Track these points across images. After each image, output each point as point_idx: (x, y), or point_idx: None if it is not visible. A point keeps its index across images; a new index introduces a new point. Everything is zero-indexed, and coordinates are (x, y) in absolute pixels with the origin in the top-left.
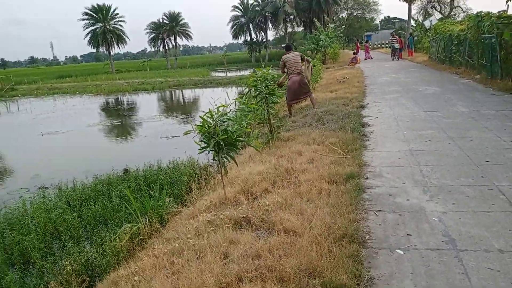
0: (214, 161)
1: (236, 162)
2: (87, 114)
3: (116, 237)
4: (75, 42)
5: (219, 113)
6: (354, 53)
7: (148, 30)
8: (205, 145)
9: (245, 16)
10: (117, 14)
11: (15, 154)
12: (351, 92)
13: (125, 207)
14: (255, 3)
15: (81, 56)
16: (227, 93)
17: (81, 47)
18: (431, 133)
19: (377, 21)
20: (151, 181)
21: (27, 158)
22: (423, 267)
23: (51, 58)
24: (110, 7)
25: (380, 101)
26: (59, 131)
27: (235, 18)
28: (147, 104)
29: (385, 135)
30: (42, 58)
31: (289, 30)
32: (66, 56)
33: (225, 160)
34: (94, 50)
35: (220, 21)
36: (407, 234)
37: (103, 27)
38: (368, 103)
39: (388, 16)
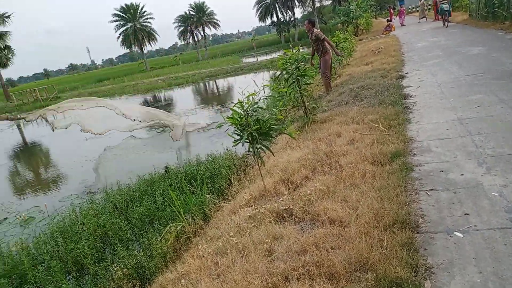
0: (250, 152)
1: (272, 152)
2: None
3: (161, 238)
4: (110, 44)
5: (249, 103)
6: (387, 21)
7: (176, 24)
8: (239, 137)
9: None
10: (145, 11)
11: (65, 161)
12: (388, 62)
13: (168, 206)
14: None
15: (116, 57)
16: (254, 80)
17: (116, 48)
18: (481, 98)
19: None
20: (191, 177)
21: (76, 164)
22: (487, 250)
23: (89, 62)
24: (138, 5)
25: (421, 68)
26: (110, 132)
27: (260, 0)
28: (182, 99)
29: (429, 105)
30: (81, 64)
31: (317, 5)
32: (102, 59)
33: (260, 151)
34: (128, 50)
35: (245, 6)
36: (465, 214)
37: (133, 26)
38: (407, 72)
39: None
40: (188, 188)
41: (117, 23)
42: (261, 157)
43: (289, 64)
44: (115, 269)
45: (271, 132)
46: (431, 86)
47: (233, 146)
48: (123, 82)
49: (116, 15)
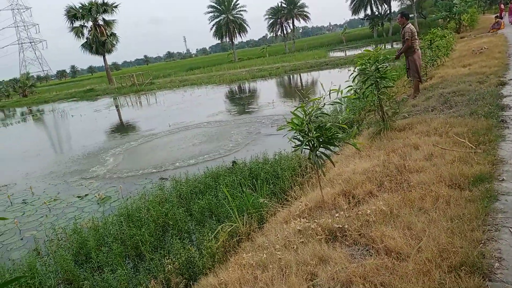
0: (309, 160)
1: (332, 162)
2: (208, 104)
3: (213, 236)
4: (204, 35)
5: (312, 108)
6: (496, 17)
7: (267, 16)
8: (299, 142)
9: None
10: (238, 3)
11: (148, 146)
12: (490, 65)
13: (228, 202)
14: None
15: (210, 47)
16: (321, 83)
17: (210, 39)
18: None
19: None
20: (255, 175)
21: (156, 150)
22: None
23: (185, 51)
24: None
25: None
26: (183, 122)
27: None
28: (263, 91)
29: None
30: (177, 52)
31: None
32: (197, 49)
33: (320, 160)
34: (219, 41)
35: None
36: None
37: (226, 18)
38: (511, 79)
39: None
40: (249, 186)
41: (212, 14)
42: (321, 166)
43: (368, 64)
44: (167, 261)
45: (333, 141)
46: None
47: (293, 152)
48: (211, 72)
49: (211, 6)
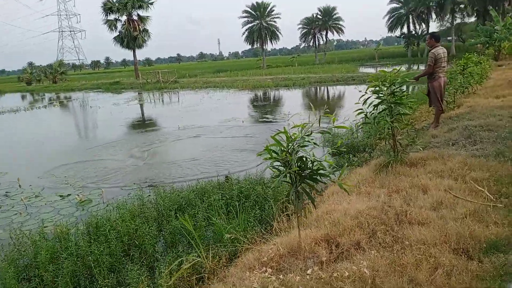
0: (288, 197)
1: (313, 202)
2: (225, 109)
3: (168, 271)
4: (238, 39)
5: (295, 136)
6: None
7: (300, 26)
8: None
9: (405, 7)
10: (274, 10)
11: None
12: None
13: (208, 224)
14: None
15: (242, 51)
16: (311, 105)
17: (243, 43)
18: None
19: None
20: (246, 195)
21: (154, 154)
22: None
23: (217, 53)
24: (268, 4)
25: None
26: (194, 125)
27: (393, 10)
28: (282, 102)
29: None
30: (210, 53)
31: (457, 21)
32: (229, 52)
33: (300, 198)
34: (250, 46)
35: (377, 15)
36: None
37: (259, 24)
38: None
39: None
40: (233, 209)
41: (245, 19)
42: (301, 207)
43: (383, 87)
44: None
45: (318, 178)
46: None
47: (272, 186)
48: (236, 76)
49: (246, 11)
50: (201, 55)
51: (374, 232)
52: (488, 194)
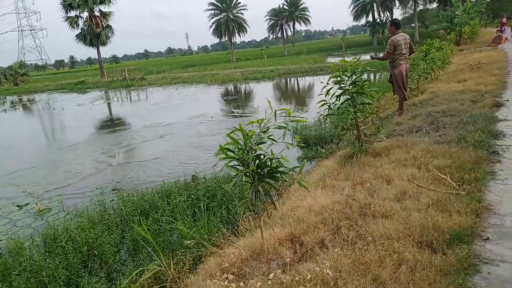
0: (248, 199)
1: (274, 203)
2: (193, 105)
3: (127, 282)
4: (206, 32)
5: (251, 133)
6: (497, 31)
7: (267, 17)
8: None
9: None
10: (240, 2)
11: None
12: (486, 83)
13: (174, 228)
14: None
15: (211, 45)
16: (268, 101)
17: (212, 37)
18: None
19: None
20: (212, 194)
21: (118, 155)
22: None
23: (186, 48)
24: None
25: None
26: (161, 123)
27: None
28: (252, 95)
29: None
30: (179, 48)
31: (420, 7)
32: (198, 46)
33: (261, 199)
34: (218, 40)
35: (343, 4)
36: None
37: (226, 17)
38: (507, 100)
39: None
40: (198, 210)
41: (212, 12)
42: (261, 208)
43: (345, 77)
44: None
45: (277, 176)
46: None
47: (229, 187)
48: (205, 71)
49: (212, 3)
50: (170, 50)
51: (338, 228)
52: (450, 181)
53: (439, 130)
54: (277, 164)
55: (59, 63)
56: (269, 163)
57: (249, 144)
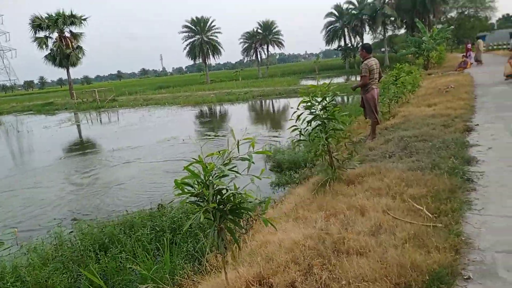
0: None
1: (237, 242)
2: (165, 127)
3: None
4: (181, 54)
5: (211, 166)
6: (463, 56)
7: (242, 40)
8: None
9: (340, 21)
10: (214, 25)
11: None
12: (455, 107)
13: (134, 266)
14: (351, 6)
15: (186, 67)
16: (231, 129)
17: (186, 58)
18: None
19: (493, 20)
20: (179, 225)
21: (81, 182)
22: None
23: (160, 69)
24: (208, 19)
25: (496, 121)
26: (129, 146)
27: (329, 24)
28: (225, 117)
29: (502, 181)
30: (153, 69)
31: (389, 33)
32: (173, 67)
33: (222, 237)
34: (192, 62)
35: (316, 28)
36: None
37: (200, 39)
38: (477, 124)
39: (508, 14)
40: (160, 244)
41: (186, 34)
42: (223, 248)
43: (315, 102)
44: None
45: (240, 212)
46: (507, 149)
47: (184, 229)
48: (179, 92)
49: (186, 26)
50: (144, 72)
51: (310, 267)
52: (427, 212)
53: (412, 155)
54: (240, 200)
55: (29, 84)
56: (232, 198)
57: (209, 178)
